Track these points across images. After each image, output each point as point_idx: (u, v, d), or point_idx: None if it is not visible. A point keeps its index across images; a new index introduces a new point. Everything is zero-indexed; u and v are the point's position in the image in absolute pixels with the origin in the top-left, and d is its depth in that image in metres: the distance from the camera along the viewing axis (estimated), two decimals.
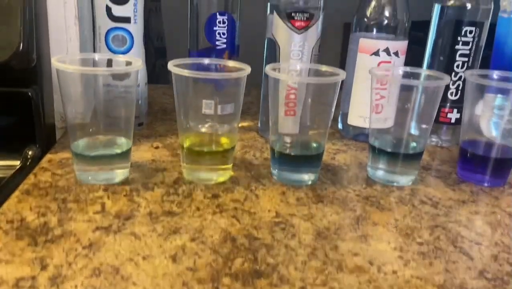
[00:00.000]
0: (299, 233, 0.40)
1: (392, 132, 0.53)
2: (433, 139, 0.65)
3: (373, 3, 0.60)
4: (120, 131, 0.48)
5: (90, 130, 0.48)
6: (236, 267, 0.35)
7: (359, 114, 0.63)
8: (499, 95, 0.55)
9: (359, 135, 0.65)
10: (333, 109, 0.49)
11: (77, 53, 0.57)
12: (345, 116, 0.66)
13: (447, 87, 0.62)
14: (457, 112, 0.63)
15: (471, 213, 0.46)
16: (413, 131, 0.52)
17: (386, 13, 0.59)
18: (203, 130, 0.50)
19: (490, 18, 0.60)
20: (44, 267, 0.33)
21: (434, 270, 0.36)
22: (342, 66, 0.59)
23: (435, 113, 0.51)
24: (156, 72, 2.24)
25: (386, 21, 0.59)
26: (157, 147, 0.58)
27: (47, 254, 0.35)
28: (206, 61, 0.51)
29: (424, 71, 0.54)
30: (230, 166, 0.51)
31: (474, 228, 0.43)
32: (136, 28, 0.59)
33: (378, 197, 0.48)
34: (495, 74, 0.54)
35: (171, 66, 0.45)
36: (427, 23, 0.63)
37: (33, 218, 0.40)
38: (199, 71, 0.49)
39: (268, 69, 0.48)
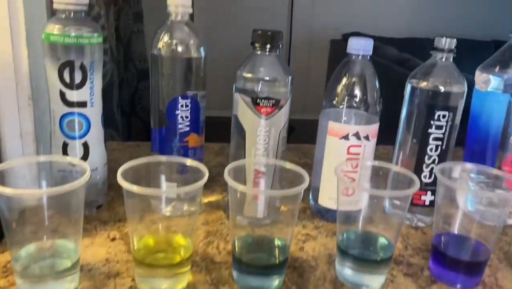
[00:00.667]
0: None
1: (360, 235, 0.50)
2: (408, 217, 0.63)
3: (342, 85, 0.57)
4: (68, 234, 0.45)
5: (34, 232, 0.44)
6: None
7: (329, 196, 0.61)
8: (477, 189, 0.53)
9: (329, 213, 0.62)
10: (297, 213, 0.47)
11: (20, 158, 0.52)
12: (316, 191, 0.63)
13: (421, 170, 0.60)
14: (431, 195, 0.60)
15: None
16: (382, 239, 0.50)
17: (356, 96, 0.57)
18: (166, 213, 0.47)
19: (464, 99, 0.58)
20: None
21: None
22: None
23: (404, 218, 0.48)
24: (139, 94, 2.21)
25: (355, 105, 0.57)
26: (113, 239, 0.54)
27: None
28: (162, 158, 0.48)
29: (393, 167, 0.52)
30: (188, 269, 0.47)
31: None
32: (94, 110, 0.55)
33: None
34: (468, 166, 0.52)
35: (119, 176, 0.42)
36: None
37: None
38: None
39: (226, 175, 0.45)
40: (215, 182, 0.70)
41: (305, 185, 0.44)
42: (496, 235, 0.50)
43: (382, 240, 0.50)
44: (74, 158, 0.51)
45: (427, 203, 0.61)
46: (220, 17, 3.16)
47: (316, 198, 0.63)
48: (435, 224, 0.52)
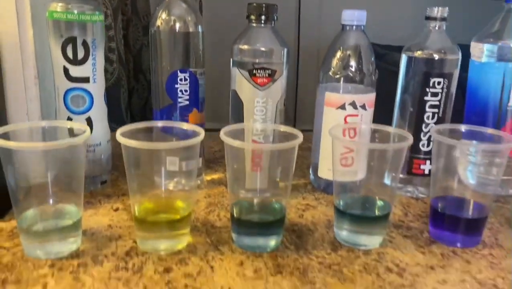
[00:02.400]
0: None
1: (356, 192, 0.51)
2: (409, 189, 0.63)
3: (337, 56, 0.59)
4: (70, 198, 0.46)
5: (38, 197, 0.45)
6: None
7: (328, 167, 0.61)
8: (474, 142, 0.53)
9: (330, 187, 0.62)
10: (293, 169, 0.48)
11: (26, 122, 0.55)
12: (315, 166, 0.64)
13: (419, 139, 0.60)
14: (430, 164, 0.61)
15: (438, 282, 0.43)
16: (379, 191, 0.50)
17: (352, 67, 0.58)
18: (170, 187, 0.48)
19: (458, 68, 0.59)
20: None
21: None
22: None
23: (399, 175, 0.49)
24: (149, 104, 2.24)
25: (351, 75, 0.58)
26: (116, 210, 0.56)
27: None
28: (159, 124, 0.49)
29: (389, 128, 0.52)
30: (187, 231, 0.48)
31: None
32: (96, 87, 0.57)
33: (342, 265, 0.46)
34: (463, 128, 0.53)
35: (119, 135, 0.43)
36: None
37: None
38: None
39: (222, 135, 0.46)
40: (217, 164, 0.72)
41: (299, 140, 0.45)
42: (493, 195, 0.50)
43: (379, 202, 0.51)
44: (74, 122, 0.53)
45: (426, 172, 0.61)
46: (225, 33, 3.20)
47: (315, 173, 0.64)
48: (432, 187, 0.52)
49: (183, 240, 0.48)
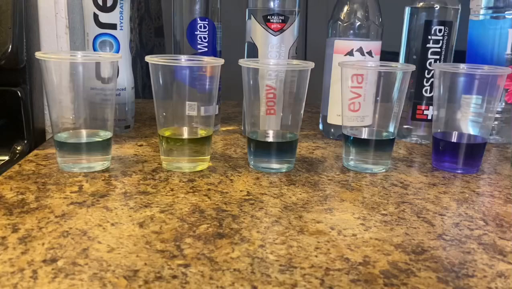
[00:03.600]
0: (267, 207, 0.41)
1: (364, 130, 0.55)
2: (413, 138, 0.67)
3: (345, 7, 0.63)
4: (102, 126, 0.50)
5: (74, 124, 0.50)
6: (200, 231, 0.36)
7: (338, 113, 0.65)
8: (475, 96, 0.57)
9: (340, 136, 0.66)
10: (304, 97, 0.52)
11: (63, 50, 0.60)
12: (325, 118, 0.68)
13: (422, 85, 0.64)
14: (433, 109, 0.65)
15: (440, 193, 0.47)
16: (383, 118, 0.54)
17: (359, 16, 0.63)
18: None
19: (458, 19, 0.63)
20: (15, 230, 0.35)
21: (394, 234, 0.37)
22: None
23: (403, 100, 0.53)
24: None
25: (358, 23, 0.62)
26: (141, 145, 0.60)
27: (20, 221, 0.36)
28: (182, 58, 0.54)
29: (396, 64, 0.56)
30: (207, 157, 0.53)
31: (441, 203, 0.44)
32: (123, 34, 0.62)
33: (350, 181, 0.49)
34: (463, 66, 0.57)
35: (148, 58, 0.48)
36: None
37: (12, 196, 0.42)
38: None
39: (241, 61, 0.51)
40: (232, 120, 0.76)
41: (311, 64, 0.50)
42: (490, 122, 0.54)
43: (384, 133, 0.55)
44: (103, 52, 0.58)
45: (429, 117, 0.65)
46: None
47: (325, 121, 0.68)
48: (434, 123, 0.56)
49: (204, 162, 0.52)
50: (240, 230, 0.36)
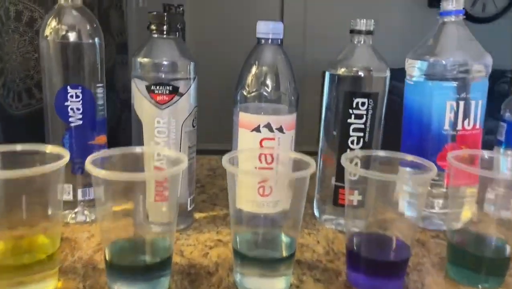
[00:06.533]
0: None
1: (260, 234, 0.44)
2: (340, 222, 0.56)
3: (252, 73, 0.52)
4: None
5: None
6: None
7: (247, 198, 0.54)
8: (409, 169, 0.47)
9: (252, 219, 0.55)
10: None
11: None
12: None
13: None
14: (359, 194, 0.54)
15: None
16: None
17: (267, 85, 0.52)
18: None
19: (387, 87, 0.53)
20: None
21: None
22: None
23: (304, 204, 0.43)
24: (122, 124, 2.17)
25: (265, 94, 0.52)
26: None
27: None
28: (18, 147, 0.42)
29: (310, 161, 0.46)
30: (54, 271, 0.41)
31: None
32: None
33: None
34: (381, 154, 0.46)
35: None
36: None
37: None
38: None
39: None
40: None
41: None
42: (415, 230, 0.44)
43: (285, 239, 0.44)
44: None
45: (355, 203, 0.55)
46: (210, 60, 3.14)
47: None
48: (346, 224, 0.45)
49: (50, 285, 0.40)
50: None
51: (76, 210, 0.54)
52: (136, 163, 0.44)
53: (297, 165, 0.45)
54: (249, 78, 0.52)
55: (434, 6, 3.30)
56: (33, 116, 0.66)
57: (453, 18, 0.54)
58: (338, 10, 3.14)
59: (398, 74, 0.61)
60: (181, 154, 0.42)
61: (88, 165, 0.37)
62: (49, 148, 0.41)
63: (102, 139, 0.56)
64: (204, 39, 2.44)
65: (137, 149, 0.44)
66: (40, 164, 0.38)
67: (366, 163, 0.47)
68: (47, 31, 0.50)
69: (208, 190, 0.67)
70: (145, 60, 0.50)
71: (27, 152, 0.42)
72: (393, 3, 3.21)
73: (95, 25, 0.52)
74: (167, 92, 0.49)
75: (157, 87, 0.49)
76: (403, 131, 0.61)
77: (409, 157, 0.45)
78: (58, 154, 0.40)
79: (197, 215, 0.58)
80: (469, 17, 3.34)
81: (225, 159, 0.42)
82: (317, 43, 3.13)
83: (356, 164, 0.48)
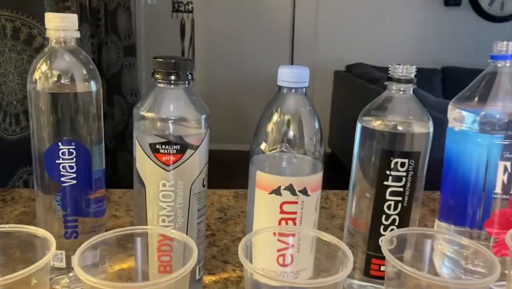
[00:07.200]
0: None
1: None
2: None
3: (271, 126, 0.45)
4: None
5: None
6: None
7: (263, 266, 0.47)
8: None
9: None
10: None
11: None
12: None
13: (378, 234, 0.46)
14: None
15: None
16: None
17: (290, 140, 0.44)
18: None
19: (429, 144, 0.46)
20: None
21: None
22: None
23: None
24: (130, 128, 2.12)
25: (286, 150, 0.44)
26: None
27: None
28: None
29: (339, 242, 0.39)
30: None
31: None
32: None
33: None
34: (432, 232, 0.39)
35: None
36: None
37: None
38: None
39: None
40: None
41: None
42: None
43: None
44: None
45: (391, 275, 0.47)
46: (219, 56, 3.08)
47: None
48: None
49: None
50: None
51: (70, 274, 0.48)
52: (135, 247, 0.37)
53: (323, 248, 0.38)
54: (268, 131, 0.45)
55: (450, 4, 3.20)
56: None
57: (508, 64, 0.46)
58: (352, 8, 3.07)
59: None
60: (188, 239, 0.35)
61: (77, 268, 0.30)
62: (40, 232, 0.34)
63: (100, 193, 0.49)
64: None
65: (137, 230, 0.38)
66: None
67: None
68: (36, 75, 0.43)
69: (218, 240, 0.60)
70: (150, 114, 0.43)
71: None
72: (409, 2, 3.12)
73: (91, 67, 0.46)
74: (175, 151, 0.42)
75: (163, 146, 0.42)
76: (443, 182, 0.53)
77: (465, 241, 0.38)
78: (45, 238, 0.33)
79: (207, 279, 0.51)
80: (487, 16, 3.24)
81: (241, 248, 0.35)
82: (329, 37, 3.06)
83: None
